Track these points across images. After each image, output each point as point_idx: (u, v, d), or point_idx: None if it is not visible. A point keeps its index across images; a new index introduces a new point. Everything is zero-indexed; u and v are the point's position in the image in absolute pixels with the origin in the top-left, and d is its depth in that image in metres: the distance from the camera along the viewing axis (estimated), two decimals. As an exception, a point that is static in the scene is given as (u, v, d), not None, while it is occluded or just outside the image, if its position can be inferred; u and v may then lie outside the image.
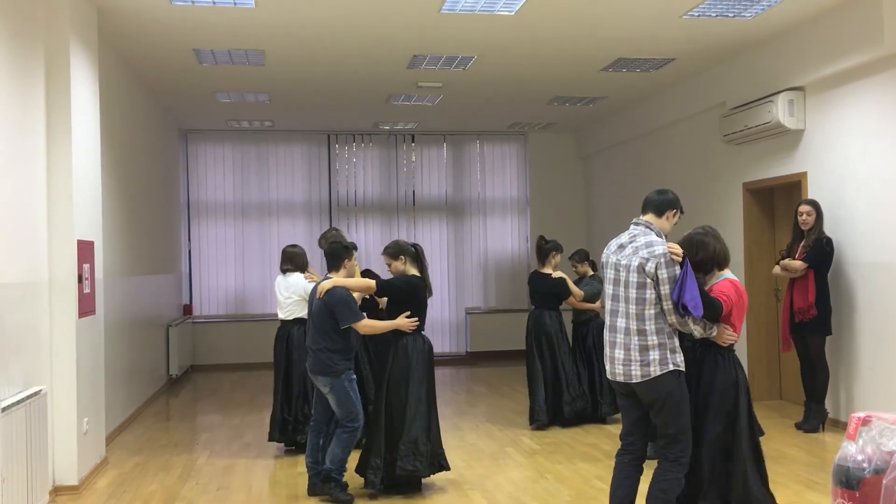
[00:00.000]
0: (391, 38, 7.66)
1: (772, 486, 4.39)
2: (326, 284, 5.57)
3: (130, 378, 8.51)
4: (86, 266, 6.11)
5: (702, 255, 4.35)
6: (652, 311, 4.13)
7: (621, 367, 4.21)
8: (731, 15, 7.07)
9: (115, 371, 7.65)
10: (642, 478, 4.36)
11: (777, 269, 7.36)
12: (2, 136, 5.11)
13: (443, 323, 12.94)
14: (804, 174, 7.72)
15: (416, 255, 5.78)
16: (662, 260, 4.10)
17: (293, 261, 7.02)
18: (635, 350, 4.15)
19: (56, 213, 5.82)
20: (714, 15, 7.06)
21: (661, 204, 4.35)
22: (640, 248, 4.18)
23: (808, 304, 7.06)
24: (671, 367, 4.12)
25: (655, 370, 4.11)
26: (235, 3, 6.58)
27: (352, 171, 12.93)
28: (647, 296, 4.13)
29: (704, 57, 8.49)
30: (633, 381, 4.17)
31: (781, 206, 8.51)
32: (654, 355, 4.11)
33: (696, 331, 4.20)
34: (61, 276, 5.82)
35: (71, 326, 5.84)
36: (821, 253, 7.06)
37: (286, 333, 6.96)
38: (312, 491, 5.71)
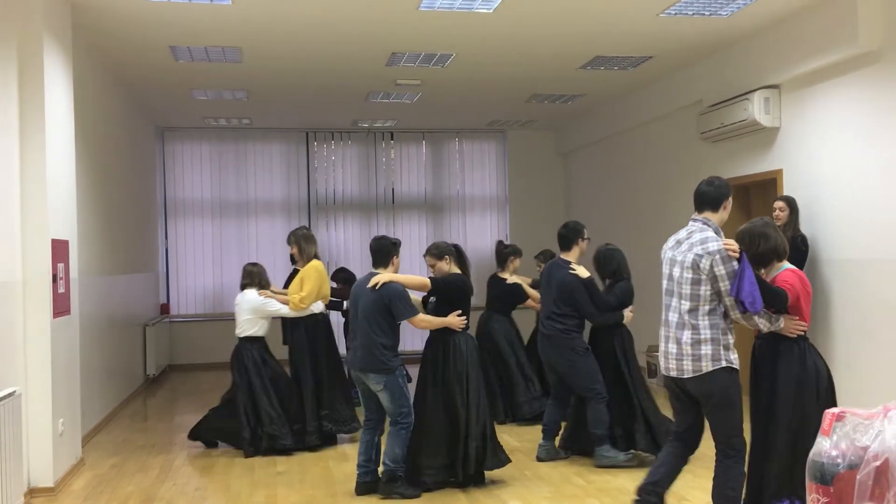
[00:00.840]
0: (369, 36, 7.64)
1: (749, 482, 4.42)
2: (382, 278, 5.51)
3: (107, 378, 8.43)
4: (60, 265, 6.04)
5: (764, 247, 4.29)
6: (707, 307, 4.12)
7: (674, 361, 4.21)
8: (707, 13, 7.11)
9: (91, 371, 7.58)
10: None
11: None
12: (-27, 135, 5.05)
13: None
14: (780, 171, 7.77)
15: (459, 255, 5.88)
16: (718, 256, 4.09)
17: (251, 276, 7.02)
18: (687, 344, 4.14)
19: (30, 212, 5.74)
20: (691, 13, 7.09)
21: (717, 197, 4.30)
22: (695, 245, 4.18)
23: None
24: (724, 364, 4.11)
25: (707, 366, 4.10)
26: (211, 0, 6.53)
27: (330, 169, 12.88)
28: (702, 292, 4.12)
29: (681, 55, 8.53)
30: (685, 375, 4.17)
31: (757, 203, 8.56)
32: (706, 350, 4.10)
33: (762, 325, 4.19)
34: (35, 276, 5.75)
35: (45, 327, 5.77)
36: (797, 252, 7.12)
37: (246, 351, 6.92)
38: (363, 490, 5.62)
